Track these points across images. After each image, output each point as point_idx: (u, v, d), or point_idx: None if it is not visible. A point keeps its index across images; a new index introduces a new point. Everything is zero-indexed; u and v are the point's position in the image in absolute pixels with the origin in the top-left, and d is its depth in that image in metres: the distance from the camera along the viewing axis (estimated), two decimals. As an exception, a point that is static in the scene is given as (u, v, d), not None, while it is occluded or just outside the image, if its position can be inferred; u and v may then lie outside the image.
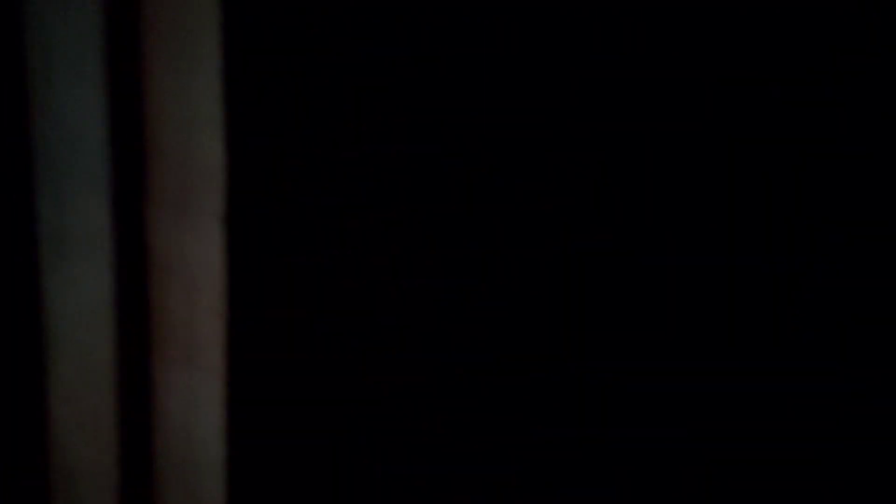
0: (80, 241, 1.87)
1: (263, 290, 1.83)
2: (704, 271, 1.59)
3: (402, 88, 1.65)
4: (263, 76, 1.74)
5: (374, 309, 1.78)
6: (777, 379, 1.59)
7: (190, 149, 1.79)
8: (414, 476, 1.80)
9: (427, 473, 1.80)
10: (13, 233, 1.93)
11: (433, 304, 1.74)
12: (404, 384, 1.79)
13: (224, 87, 1.76)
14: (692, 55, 1.52)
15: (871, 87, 1.44)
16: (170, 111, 1.79)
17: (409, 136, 1.69)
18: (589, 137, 1.58)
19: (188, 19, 1.74)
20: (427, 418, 1.78)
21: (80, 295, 1.88)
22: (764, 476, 1.63)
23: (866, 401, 1.56)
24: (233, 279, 1.83)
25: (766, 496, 1.64)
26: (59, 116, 1.82)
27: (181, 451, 1.91)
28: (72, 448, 1.94)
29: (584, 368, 1.67)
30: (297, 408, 1.85)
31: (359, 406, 1.82)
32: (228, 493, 1.90)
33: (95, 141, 1.81)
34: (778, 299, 1.57)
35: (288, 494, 1.89)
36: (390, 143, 1.71)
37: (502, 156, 1.61)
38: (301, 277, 1.81)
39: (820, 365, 1.56)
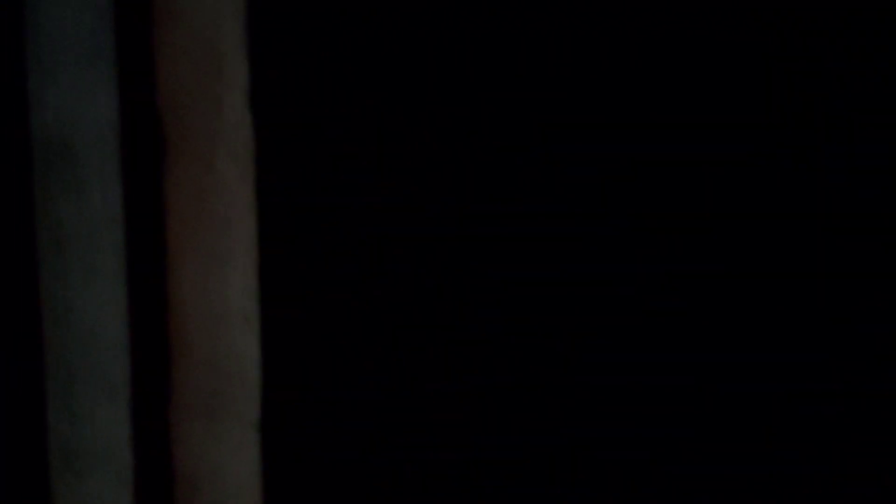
0: (96, 455, 1.64)
1: (305, 507, 1.59)
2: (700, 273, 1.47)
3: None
4: (298, 267, 1.54)
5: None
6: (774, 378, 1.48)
7: (219, 348, 1.58)
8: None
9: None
10: (21, 448, 1.71)
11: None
12: None
13: (259, 280, 1.55)
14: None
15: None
16: (197, 306, 1.58)
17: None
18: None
19: (217, 207, 1.54)
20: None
21: (96, 516, 1.64)
22: (761, 476, 1.48)
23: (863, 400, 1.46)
24: (271, 495, 1.60)
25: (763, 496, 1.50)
26: (73, 315, 1.61)
27: None
28: None
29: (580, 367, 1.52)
30: None
31: None
32: None
33: (112, 341, 1.60)
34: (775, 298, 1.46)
35: None
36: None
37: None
38: (347, 489, 1.58)
39: (816, 363, 1.45)
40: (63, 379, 1.64)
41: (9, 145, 1.62)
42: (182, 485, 1.63)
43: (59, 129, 1.56)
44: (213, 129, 1.52)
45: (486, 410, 1.53)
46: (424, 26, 1.47)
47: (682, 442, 1.51)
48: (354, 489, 1.58)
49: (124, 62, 1.52)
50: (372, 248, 1.53)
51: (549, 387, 1.51)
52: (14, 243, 1.66)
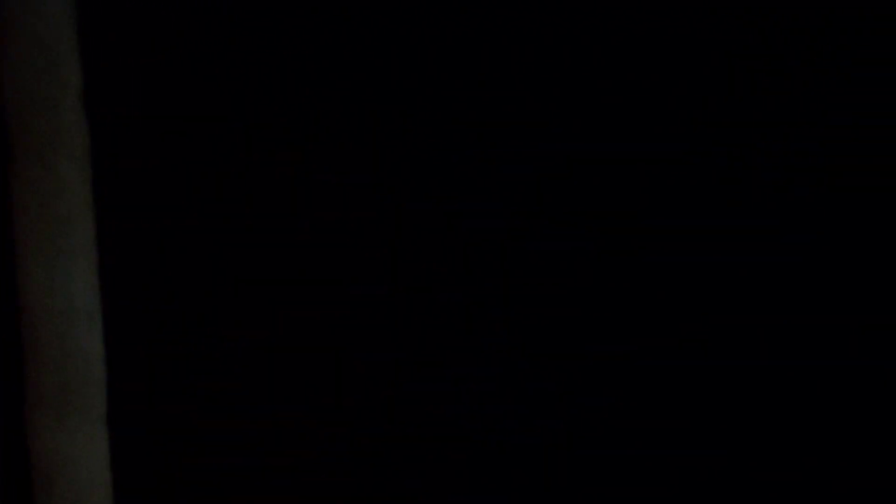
0: (-43, 450, 1.69)
1: (154, 498, 1.64)
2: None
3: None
4: (137, 264, 1.58)
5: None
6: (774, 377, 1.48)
7: (67, 345, 1.62)
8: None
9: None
10: None
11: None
12: None
13: (101, 278, 1.60)
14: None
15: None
16: (45, 304, 1.62)
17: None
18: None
19: (59, 207, 1.59)
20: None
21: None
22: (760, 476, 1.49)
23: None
24: (120, 485, 1.64)
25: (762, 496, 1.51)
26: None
27: None
28: None
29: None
30: None
31: None
32: None
33: (-33, 340, 1.65)
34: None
35: None
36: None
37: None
38: (193, 479, 1.62)
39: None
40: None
41: None
42: (39, 477, 1.68)
43: None
44: (53, 131, 1.57)
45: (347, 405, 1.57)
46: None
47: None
48: (198, 478, 1.62)
49: (-35, 68, 1.57)
50: (208, 243, 1.57)
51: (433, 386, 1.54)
52: None
